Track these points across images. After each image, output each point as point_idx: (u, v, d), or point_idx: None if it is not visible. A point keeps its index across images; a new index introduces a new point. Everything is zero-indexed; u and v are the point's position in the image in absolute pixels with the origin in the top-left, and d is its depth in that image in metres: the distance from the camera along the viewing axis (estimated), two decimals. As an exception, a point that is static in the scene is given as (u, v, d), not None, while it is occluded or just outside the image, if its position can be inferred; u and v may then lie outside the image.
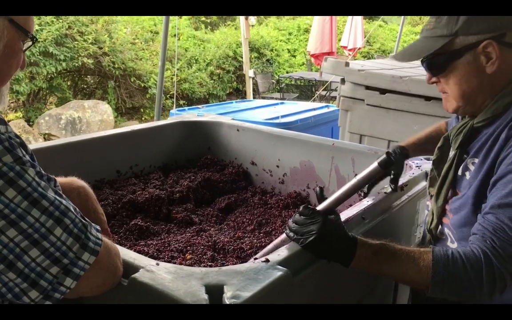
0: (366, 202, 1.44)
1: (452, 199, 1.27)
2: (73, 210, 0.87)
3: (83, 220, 0.89)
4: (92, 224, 0.92)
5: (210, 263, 1.51)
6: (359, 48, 10.07)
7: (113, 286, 0.96)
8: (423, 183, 1.69)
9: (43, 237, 0.81)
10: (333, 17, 8.44)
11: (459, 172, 1.25)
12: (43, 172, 0.87)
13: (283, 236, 1.25)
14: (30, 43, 0.98)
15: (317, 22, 8.64)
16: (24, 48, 0.97)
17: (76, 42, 8.22)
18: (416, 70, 3.24)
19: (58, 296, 0.85)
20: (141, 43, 9.84)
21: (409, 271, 1.10)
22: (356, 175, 2.05)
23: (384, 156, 1.23)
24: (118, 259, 0.98)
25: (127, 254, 1.06)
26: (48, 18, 7.77)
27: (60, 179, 1.15)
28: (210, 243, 1.65)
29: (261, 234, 1.77)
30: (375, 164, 1.25)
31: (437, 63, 1.20)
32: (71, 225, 0.85)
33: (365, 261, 1.13)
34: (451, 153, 1.30)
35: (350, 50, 9.28)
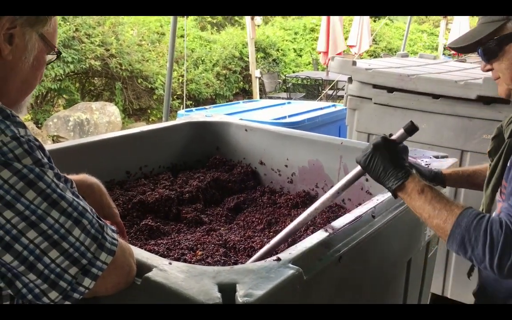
0: (376, 200, 1.44)
1: (505, 191, 1.27)
2: (90, 211, 0.89)
3: (99, 221, 0.90)
4: (108, 224, 0.93)
5: (223, 259, 1.52)
6: (366, 50, 10.07)
7: (127, 286, 0.97)
8: (433, 181, 1.68)
9: (63, 238, 0.82)
10: (341, 16, 8.46)
11: (508, 163, 1.26)
12: (60, 173, 0.89)
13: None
14: (54, 57, 1.00)
15: (325, 21, 8.65)
16: (47, 61, 0.99)
17: (83, 44, 8.28)
18: (424, 68, 3.23)
19: (77, 296, 0.86)
20: (148, 44, 9.90)
21: (439, 216, 1.13)
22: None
23: (409, 122, 1.26)
24: (132, 258, 0.99)
25: (140, 253, 1.07)
26: (56, 21, 7.82)
27: (73, 177, 1.17)
28: (221, 242, 1.66)
29: (271, 233, 1.78)
30: (401, 131, 1.28)
31: (490, 48, 1.22)
32: (88, 225, 0.86)
33: (409, 194, 1.19)
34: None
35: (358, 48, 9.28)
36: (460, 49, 1.33)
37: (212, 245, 1.62)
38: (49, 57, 0.99)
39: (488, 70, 1.29)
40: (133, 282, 0.99)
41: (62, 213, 0.83)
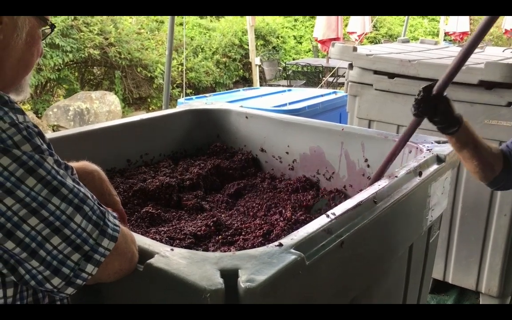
0: (378, 185, 1.44)
1: None
2: (91, 198, 0.88)
3: (100, 207, 0.90)
4: (109, 211, 0.93)
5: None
6: (366, 33, 9.99)
7: (129, 272, 0.98)
8: (435, 166, 1.68)
9: (64, 225, 0.82)
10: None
11: None
12: (61, 160, 0.88)
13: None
14: (49, 31, 0.98)
15: (323, 8, 8.55)
16: (42, 36, 0.97)
17: (82, 33, 8.24)
18: (425, 53, 3.21)
19: (80, 282, 0.86)
20: (147, 32, 9.85)
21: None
22: (366, 160, 2.05)
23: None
24: (134, 245, 1.00)
25: (141, 240, 1.07)
26: (54, 10, 7.76)
27: (73, 164, 1.16)
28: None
29: (273, 217, 1.78)
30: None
31: None
32: (90, 212, 0.86)
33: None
34: None
35: (359, 35, 9.20)
36: None
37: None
38: (45, 31, 0.97)
39: None
40: (135, 268, 0.99)
41: (63, 200, 0.82)
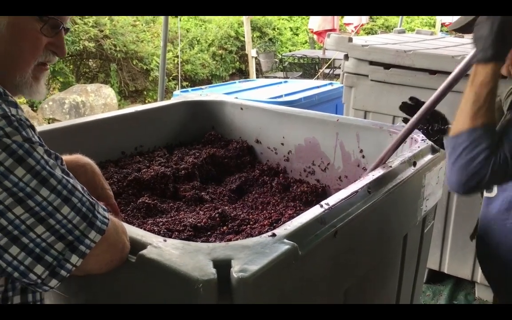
0: (372, 175, 1.44)
1: None
2: (80, 189, 0.88)
3: (90, 199, 0.89)
4: (99, 203, 0.92)
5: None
6: (362, 25, 9.95)
7: (121, 263, 0.97)
8: (429, 156, 1.68)
9: (50, 215, 0.81)
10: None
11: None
12: (51, 151, 0.87)
13: None
14: (42, 23, 0.90)
15: (319, -1, 8.49)
16: (43, 30, 0.90)
17: (77, 26, 8.18)
18: (421, 43, 3.20)
19: (64, 273, 0.85)
20: (142, 25, 9.78)
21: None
22: (361, 150, 2.05)
23: None
24: (125, 236, 0.99)
25: (134, 231, 1.07)
26: (48, 2, 7.71)
27: (66, 157, 1.15)
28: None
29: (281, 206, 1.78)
30: None
31: None
32: (78, 204, 0.85)
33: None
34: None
35: (355, 27, 9.16)
36: (460, 29, 1.33)
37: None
38: (38, 24, 0.89)
39: None
40: (127, 259, 0.99)
41: (52, 191, 0.82)
